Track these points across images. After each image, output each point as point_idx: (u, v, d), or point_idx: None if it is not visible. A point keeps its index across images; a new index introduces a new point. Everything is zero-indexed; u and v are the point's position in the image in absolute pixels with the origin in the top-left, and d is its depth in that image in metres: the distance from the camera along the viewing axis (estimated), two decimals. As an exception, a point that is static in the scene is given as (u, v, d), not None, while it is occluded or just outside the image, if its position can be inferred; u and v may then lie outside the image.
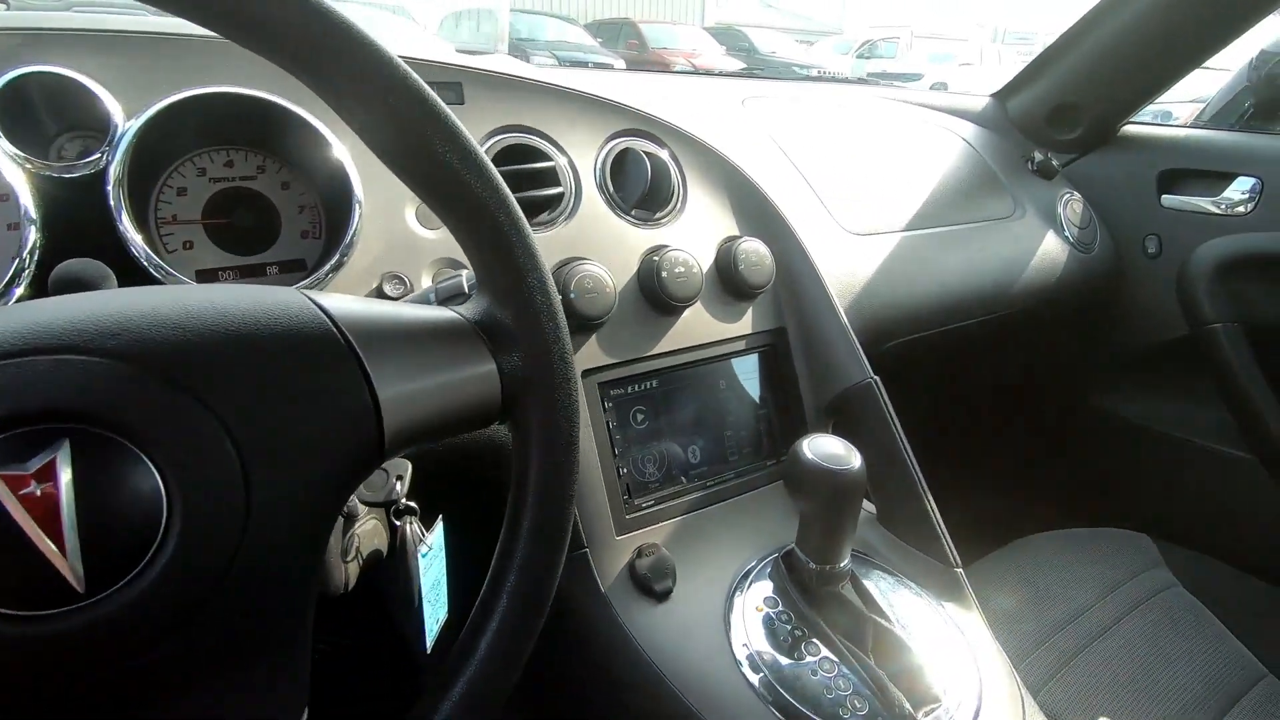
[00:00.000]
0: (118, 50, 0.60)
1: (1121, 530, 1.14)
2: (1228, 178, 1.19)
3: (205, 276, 0.67)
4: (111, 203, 0.54)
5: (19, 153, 0.54)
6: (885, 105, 1.23)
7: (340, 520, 0.54)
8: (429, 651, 0.58)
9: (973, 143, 1.22)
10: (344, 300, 0.38)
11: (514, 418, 0.42)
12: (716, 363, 0.79)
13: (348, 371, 0.36)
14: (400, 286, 0.62)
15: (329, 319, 0.36)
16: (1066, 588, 1.04)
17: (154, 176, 0.63)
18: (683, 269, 0.73)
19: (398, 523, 0.55)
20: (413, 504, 0.55)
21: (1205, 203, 1.21)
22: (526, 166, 0.71)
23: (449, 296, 0.54)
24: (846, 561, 0.65)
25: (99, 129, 0.58)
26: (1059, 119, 1.31)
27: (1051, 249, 1.17)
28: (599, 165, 0.76)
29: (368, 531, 0.57)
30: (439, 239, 0.66)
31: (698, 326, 0.77)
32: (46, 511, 0.27)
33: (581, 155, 0.75)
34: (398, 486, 0.54)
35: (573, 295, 0.67)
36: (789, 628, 0.65)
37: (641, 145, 0.79)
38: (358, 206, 0.62)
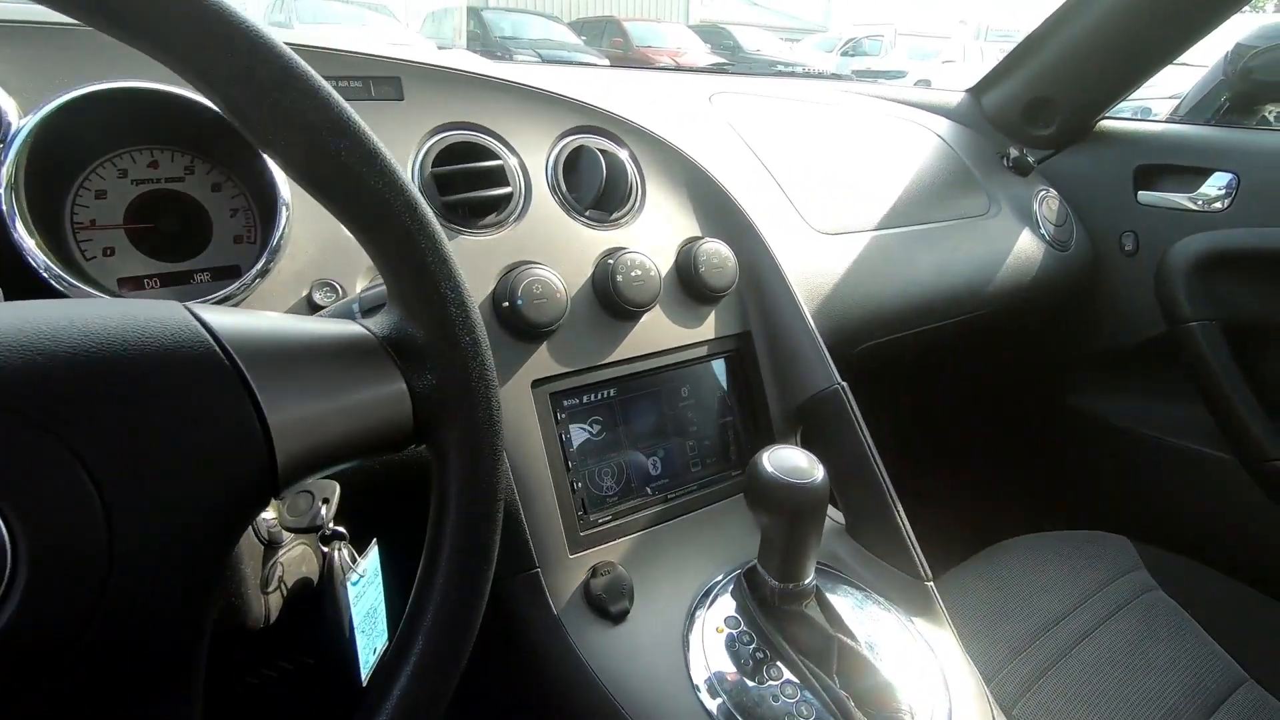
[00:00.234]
0: (15, 42, 0.56)
1: (1100, 532, 1.12)
2: (1204, 173, 1.17)
3: (128, 285, 0.63)
4: (3, 208, 0.50)
5: None
6: (857, 101, 1.20)
7: (261, 549, 0.50)
8: (364, 683, 0.54)
9: (947, 139, 1.20)
10: (233, 315, 0.34)
11: (430, 441, 0.39)
12: (678, 369, 0.76)
13: (232, 395, 0.32)
14: (332, 295, 0.58)
15: (212, 336, 0.32)
16: (1045, 593, 1.02)
17: (67, 178, 0.59)
18: (639, 272, 0.70)
19: (325, 549, 0.52)
20: (340, 529, 0.52)
21: (1182, 199, 1.19)
22: (471, 165, 0.67)
23: (374, 306, 0.50)
24: (810, 578, 0.62)
25: (-11, 128, 0.53)
26: (1034, 114, 1.29)
27: (1027, 247, 1.14)
28: (551, 164, 0.73)
29: (294, 559, 0.53)
30: (376, 243, 0.62)
31: (657, 332, 0.73)
32: None
33: (532, 153, 0.72)
34: (323, 511, 0.50)
35: (520, 302, 0.64)
36: (750, 649, 0.61)
37: (597, 143, 0.76)
38: (284, 209, 0.58)
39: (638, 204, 0.76)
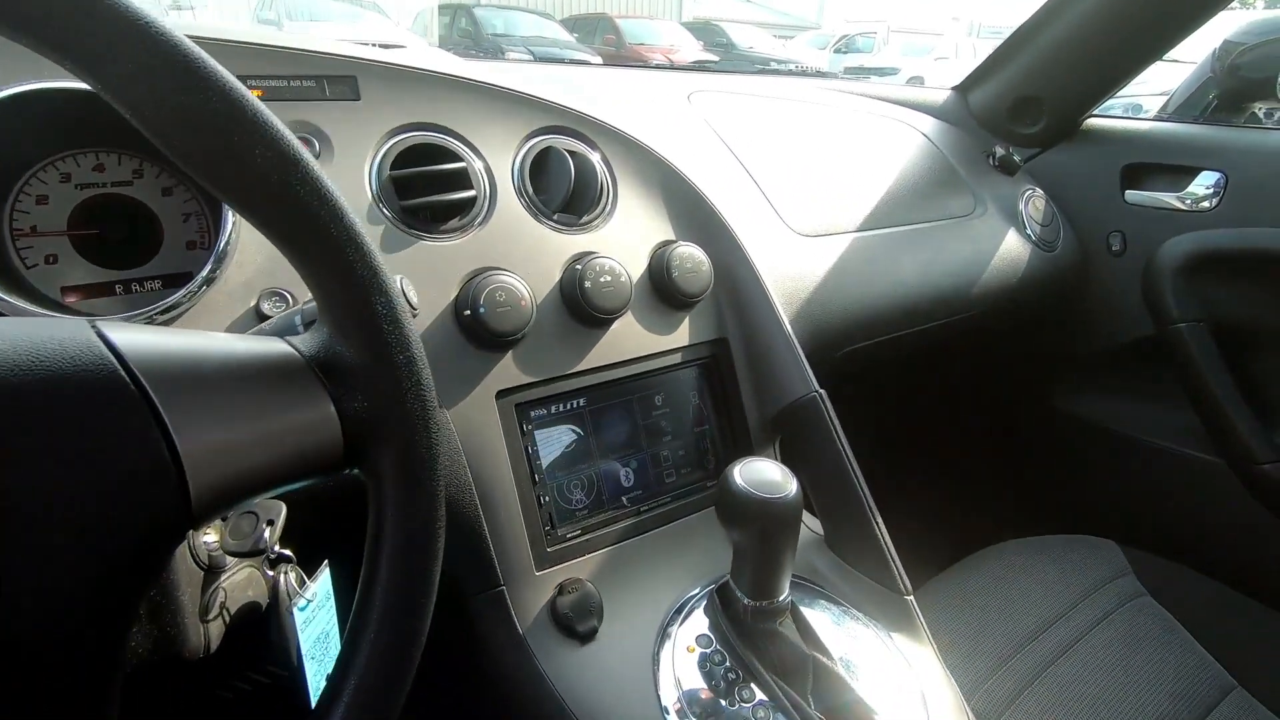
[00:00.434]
0: None
1: (1087, 536, 1.10)
2: (1192, 172, 1.15)
3: (75, 294, 0.60)
4: None
5: None
6: (841, 99, 1.18)
7: (200, 574, 0.47)
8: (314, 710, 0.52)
9: (932, 137, 1.18)
10: (143, 334, 0.32)
11: (363, 467, 0.36)
12: (651, 378, 0.73)
13: (138, 423, 0.29)
14: (281, 304, 0.56)
15: (116, 358, 0.30)
16: (1031, 599, 1.00)
17: (3, 184, 0.56)
18: (609, 278, 0.68)
19: (270, 573, 0.49)
20: (287, 552, 0.49)
21: (1170, 198, 1.17)
22: (433, 168, 0.65)
23: (315, 319, 0.48)
24: (785, 595, 0.60)
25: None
26: (1021, 112, 1.27)
27: (1013, 247, 1.12)
28: (517, 166, 0.70)
29: (238, 583, 0.50)
30: (331, 250, 0.59)
31: (628, 339, 0.71)
32: None
33: (497, 155, 0.69)
34: (266, 533, 0.47)
35: (482, 310, 0.61)
36: (723, 669, 0.59)
37: (565, 143, 0.73)
38: (230, 214, 0.55)
39: (608, 207, 0.74)
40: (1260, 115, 1.30)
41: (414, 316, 0.46)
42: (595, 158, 0.75)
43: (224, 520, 0.50)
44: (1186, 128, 1.21)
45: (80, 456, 0.28)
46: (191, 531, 0.47)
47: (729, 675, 0.59)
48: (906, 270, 0.98)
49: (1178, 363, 1.15)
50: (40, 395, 0.28)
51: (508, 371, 0.64)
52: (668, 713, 0.57)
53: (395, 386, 0.35)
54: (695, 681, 0.59)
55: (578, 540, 0.67)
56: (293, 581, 0.49)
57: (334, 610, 0.55)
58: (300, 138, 0.60)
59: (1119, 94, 1.25)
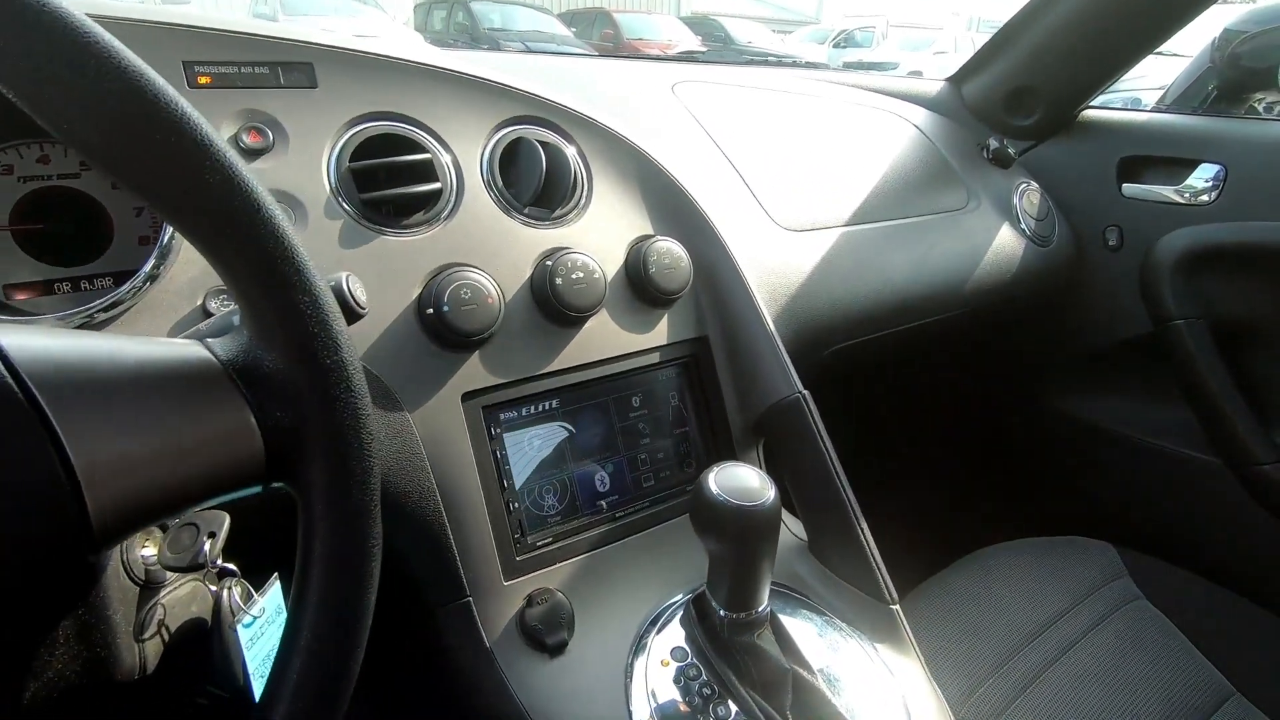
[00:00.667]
0: None
1: (1082, 539, 1.08)
2: (1191, 165, 1.12)
3: (21, 291, 0.58)
4: None
5: None
6: (831, 90, 1.15)
7: (135, 591, 0.45)
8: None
9: (924, 130, 1.15)
10: (35, 337, 0.29)
11: (289, 481, 0.33)
12: (628, 378, 0.70)
13: (27, 434, 0.27)
14: (229, 304, 0.53)
15: (3, 362, 0.27)
16: (1024, 603, 0.98)
17: None
18: (581, 274, 0.65)
19: (213, 588, 0.46)
20: (230, 566, 0.46)
21: (1168, 191, 1.14)
22: (396, 159, 0.62)
23: None
24: (764, 606, 0.57)
25: None
26: (1015, 104, 1.24)
27: (1007, 242, 1.10)
28: (485, 157, 0.67)
29: (180, 599, 0.48)
30: (285, 245, 0.56)
31: (603, 339, 0.68)
32: None
33: (464, 146, 0.66)
34: (207, 546, 0.44)
35: (446, 308, 0.58)
36: (698, 684, 0.57)
37: (537, 134, 0.70)
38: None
39: (583, 200, 0.71)
40: (1260, 107, 1.27)
41: (362, 317, 0.43)
42: (568, 149, 0.72)
43: (163, 531, 0.47)
44: (1185, 119, 1.18)
45: None
46: (124, 546, 0.45)
47: (705, 690, 0.56)
48: (896, 266, 0.95)
49: (1175, 360, 1.13)
50: None
51: (474, 372, 0.61)
52: (639, 730, 0.54)
53: (322, 394, 0.32)
54: (669, 696, 0.56)
55: (549, 548, 0.64)
56: (237, 597, 0.47)
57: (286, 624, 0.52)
58: (252, 128, 0.57)
59: (1115, 88, 1.22)
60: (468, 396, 0.61)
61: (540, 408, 0.66)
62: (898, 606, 0.66)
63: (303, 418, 0.32)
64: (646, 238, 0.71)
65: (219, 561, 0.46)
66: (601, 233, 0.70)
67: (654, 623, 0.62)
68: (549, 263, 0.64)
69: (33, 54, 0.26)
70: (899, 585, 0.68)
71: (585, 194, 0.71)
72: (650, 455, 0.72)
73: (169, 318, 0.52)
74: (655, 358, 0.71)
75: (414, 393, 0.58)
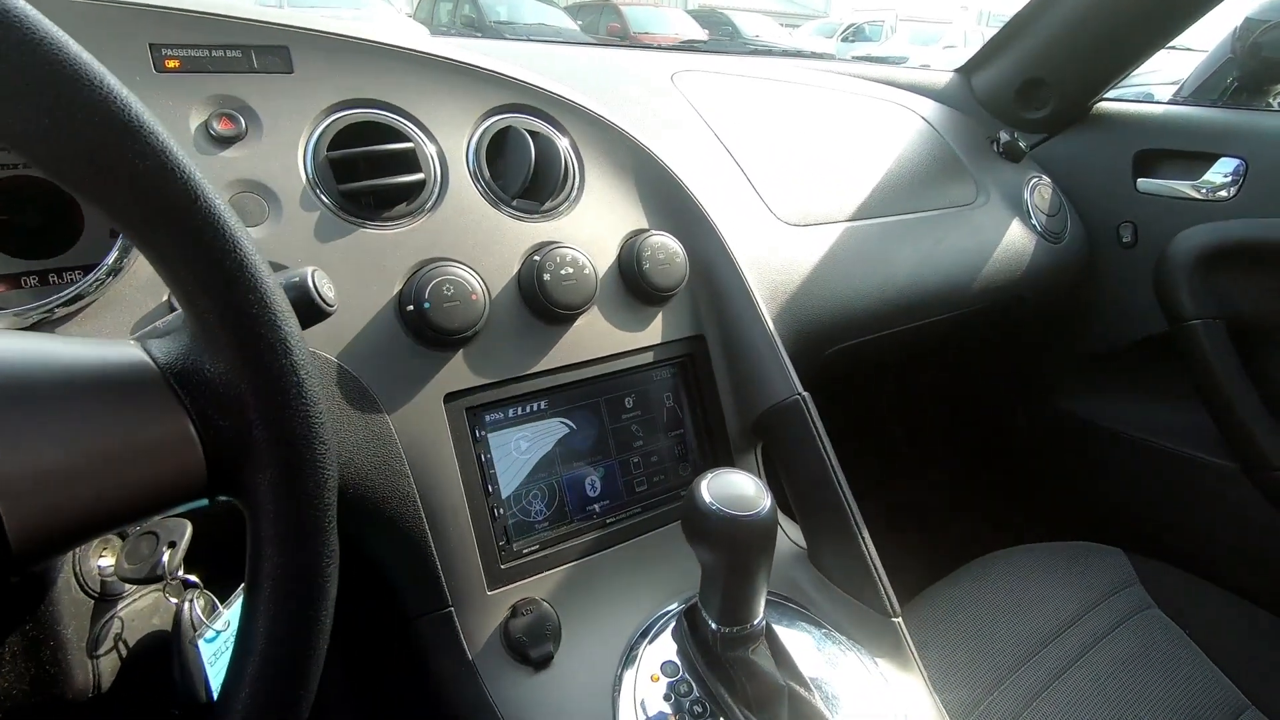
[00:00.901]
0: None
1: (1093, 544, 1.05)
2: (1209, 159, 1.09)
3: (-12, 285, 0.55)
4: None
5: None
6: (837, 81, 1.11)
7: (89, 605, 0.42)
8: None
9: (932, 122, 1.11)
10: None
11: (235, 494, 0.31)
12: (620, 378, 0.68)
13: None
14: None
15: None
16: (1032, 610, 0.95)
17: None
18: (570, 269, 0.62)
19: (173, 600, 0.44)
20: (191, 577, 0.44)
21: (1185, 187, 1.10)
22: (377, 148, 0.59)
23: None
24: (758, 619, 0.54)
25: None
26: (1027, 95, 1.20)
27: (1017, 239, 1.06)
28: (472, 147, 0.64)
29: (141, 611, 0.45)
30: (258, 239, 0.54)
31: (594, 337, 0.65)
32: None
33: (450, 135, 0.63)
34: (165, 557, 0.42)
35: (427, 305, 0.56)
36: (689, 701, 0.54)
37: (526, 123, 0.67)
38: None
39: (574, 193, 0.68)
40: (1282, 99, 1.23)
41: (329, 315, 0.41)
42: (559, 139, 0.69)
43: (122, 539, 0.44)
44: (1204, 111, 1.14)
45: None
46: (77, 556, 0.42)
47: (695, 708, 0.54)
48: (902, 262, 0.92)
49: (1191, 362, 1.09)
50: None
51: (458, 372, 0.59)
52: (625, 750, 0.51)
53: (268, 400, 0.29)
54: (658, 714, 0.54)
55: (536, 556, 0.61)
56: (199, 610, 0.44)
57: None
58: (224, 115, 0.55)
59: (1126, 83, 1.18)
60: (450, 398, 0.58)
61: (527, 409, 0.63)
62: (899, 619, 0.63)
63: (247, 426, 0.29)
64: (640, 232, 0.69)
65: (180, 572, 0.44)
66: (593, 227, 0.67)
67: (644, 635, 0.59)
68: (537, 258, 0.61)
69: None
70: (901, 591, 0.66)
71: (576, 186, 0.68)
72: (643, 459, 0.69)
73: (132, 313, 0.49)
74: (649, 357, 0.69)
75: (393, 393, 0.56)
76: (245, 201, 0.54)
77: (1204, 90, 1.19)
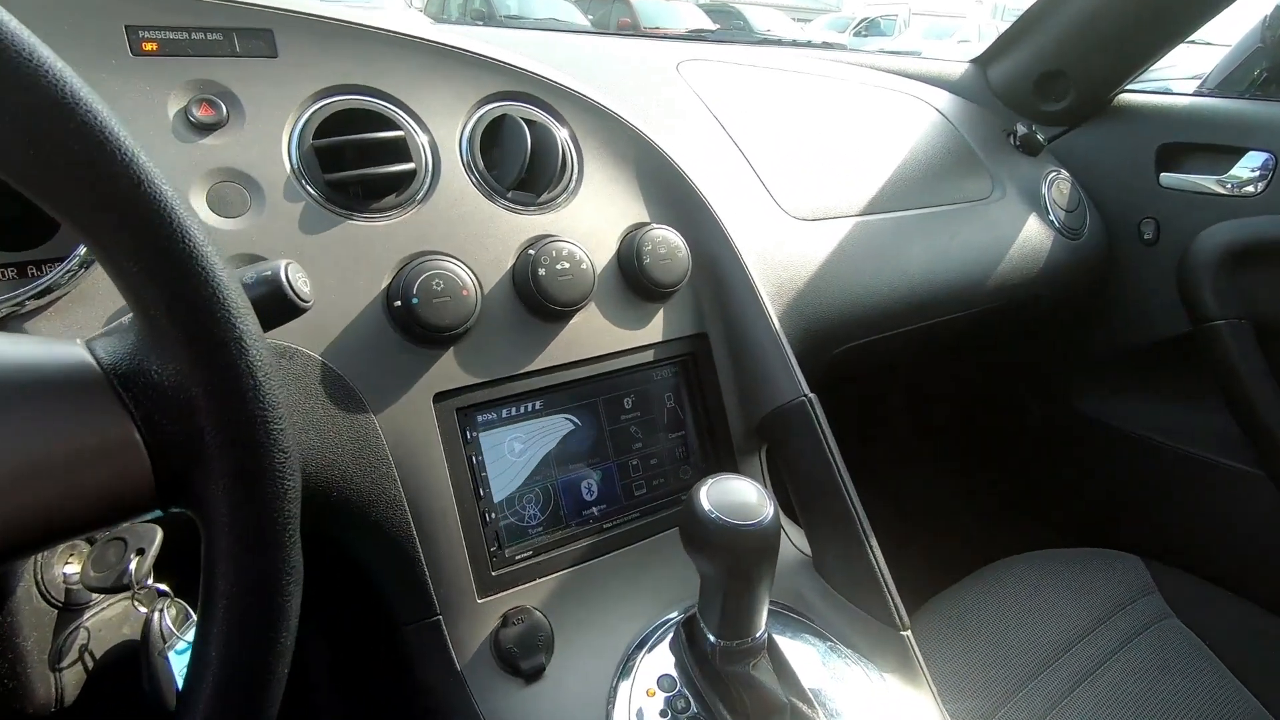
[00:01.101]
0: None
1: (1110, 551, 1.02)
2: (1236, 153, 1.04)
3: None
4: None
5: None
6: (848, 71, 1.08)
7: (53, 615, 0.40)
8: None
9: (947, 114, 1.07)
10: None
11: (187, 505, 0.28)
12: (619, 377, 0.65)
13: None
14: None
15: None
16: (1047, 619, 0.92)
17: None
18: (567, 264, 0.59)
19: (142, 610, 0.42)
20: (162, 586, 0.42)
21: (1210, 181, 1.06)
22: (365, 136, 0.56)
23: None
24: (760, 632, 0.52)
25: None
26: (1046, 87, 1.16)
27: (1034, 235, 1.03)
28: (465, 136, 0.62)
29: (109, 621, 0.43)
30: (239, 230, 0.51)
31: (592, 335, 0.63)
32: None
33: (442, 123, 0.61)
34: (133, 565, 0.40)
35: (415, 301, 0.53)
36: (686, 718, 0.52)
37: (522, 111, 0.65)
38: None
39: (572, 184, 0.65)
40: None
41: (304, 311, 0.38)
42: (555, 126, 0.66)
43: (90, 544, 0.42)
44: (1231, 103, 1.09)
45: None
46: (39, 563, 0.40)
47: (692, 725, 0.51)
48: (914, 259, 0.89)
49: (1214, 363, 1.05)
50: None
51: (448, 371, 0.56)
52: (619, 768, 0.49)
53: (221, 403, 0.27)
54: (654, 728, 0.51)
55: (529, 562, 0.59)
56: (169, 620, 0.42)
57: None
58: (204, 100, 0.52)
59: (1143, 78, 1.14)
60: (440, 397, 0.56)
61: (522, 409, 0.61)
62: (909, 633, 0.60)
63: (198, 432, 0.27)
64: (641, 225, 0.66)
65: (149, 581, 0.41)
66: (592, 220, 0.65)
67: (640, 646, 0.57)
68: (532, 251, 0.59)
69: None
70: (909, 597, 0.63)
71: (575, 178, 0.66)
72: (643, 461, 0.66)
73: (105, 307, 0.47)
74: (649, 356, 0.66)
75: (380, 393, 0.54)
76: (226, 191, 0.51)
77: (1230, 82, 1.14)
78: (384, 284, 0.55)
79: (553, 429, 0.62)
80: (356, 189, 0.56)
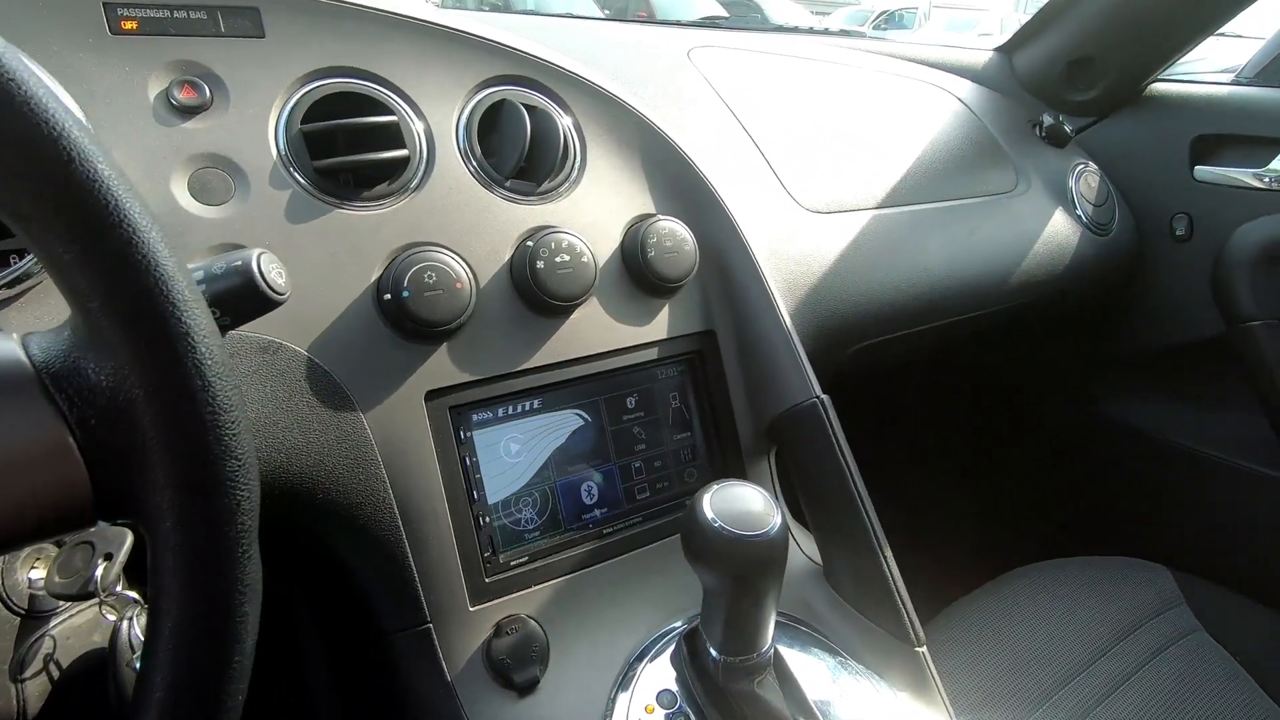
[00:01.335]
0: None
1: (1135, 560, 0.98)
2: (1276, 145, 0.99)
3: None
4: None
5: None
6: (867, 59, 1.04)
7: (15, 622, 0.38)
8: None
9: (969, 103, 1.03)
10: None
11: (130, 516, 0.26)
12: (621, 376, 0.62)
13: None
14: None
15: None
16: (1068, 632, 0.88)
17: None
18: (567, 257, 0.56)
19: (111, 618, 0.40)
20: (131, 593, 0.40)
21: (1247, 175, 1.01)
22: (356, 121, 0.54)
23: None
24: (766, 648, 0.49)
25: None
26: (1074, 75, 1.11)
27: (1060, 230, 0.98)
28: (462, 121, 0.59)
29: (77, 629, 0.41)
30: (222, 219, 0.49)
31: (593, 331, 0.60)
32: None
33: (438, 108, 0.58)
34: (100, 571, 0.37)
35: (407, 294, 0.51)
36: (686, 735, 0.49)
37: (522, 96, 0.62)
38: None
39: (574, 173, 0.63)
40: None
41: (279, 304, 0.36)
42: (557, 112, 0.63)
43: (58, 546, 0.40)
44: (1271, 93, 1.04)
45: None
46: (1, 566, 0.38)
47: (693, 744, 0.48)
48: (933, 254, 0.85)
49: (1248, 366, 1.01)
50: None
51: (440, 368, 0.54)
52: (615, 789, 0.47)
53: (166, 406, 0.24)
54: (653, 747, 0.48)
55: (524, 569, 0.56)
56: (138, 629, 0.40)
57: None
58: (186, 82, 0.50)
59: (1170, 72, 1.09)
60: (432, 395, 0.53)
61: (518, 408, 0.58)
62: (924, 649, 0.57)
63: (140, 438, 0.24)
64: (646, 217, 0.63)
65: (119, 587, 0.39)
66: (594, 210, 0.62)
67: (640, 658, 0.54)
68: (530, 243, 0.56)
69: None
70: (922, 606, 0.60)
71: (577, 166, 0.63)
72: (646, 464, 0.63)
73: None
74: (654, 354, 0.63)
75: (368, 390, 0.51)
76: (209, 178, 0.49)
77: (1271, 71, 1.09)
78: (374, 276, 0.53)
79: (551, 429, 0.59)
80: (347, 176, 0.54)
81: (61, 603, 0.40)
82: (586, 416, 0.61)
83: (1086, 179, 1.05)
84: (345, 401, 0.50)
